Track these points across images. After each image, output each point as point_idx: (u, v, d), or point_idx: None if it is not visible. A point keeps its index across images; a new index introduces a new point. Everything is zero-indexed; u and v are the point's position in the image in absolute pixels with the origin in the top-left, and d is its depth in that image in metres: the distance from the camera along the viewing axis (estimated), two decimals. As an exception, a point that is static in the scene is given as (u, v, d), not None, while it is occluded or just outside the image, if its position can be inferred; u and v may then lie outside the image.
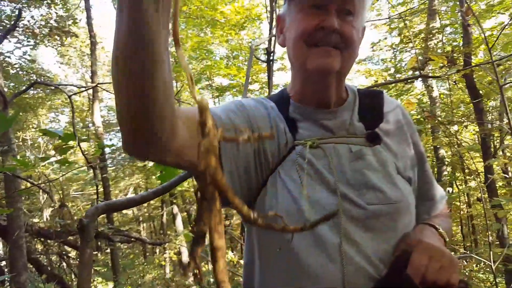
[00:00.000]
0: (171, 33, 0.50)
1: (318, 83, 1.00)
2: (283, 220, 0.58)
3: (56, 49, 10.44)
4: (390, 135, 1.05)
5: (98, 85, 5.32)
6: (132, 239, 5.79)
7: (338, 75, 0.99)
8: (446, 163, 9.48)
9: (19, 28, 7.73)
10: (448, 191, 9.48)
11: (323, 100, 1.02)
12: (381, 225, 0.93)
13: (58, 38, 8.53)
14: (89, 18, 9.96)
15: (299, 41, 0.97)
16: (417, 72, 7.52)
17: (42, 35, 8.29)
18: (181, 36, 0.68)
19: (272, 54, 1.95)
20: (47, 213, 7.37)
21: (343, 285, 0.87)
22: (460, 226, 11.14)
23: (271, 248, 0.94)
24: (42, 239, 4.73)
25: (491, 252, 3.84)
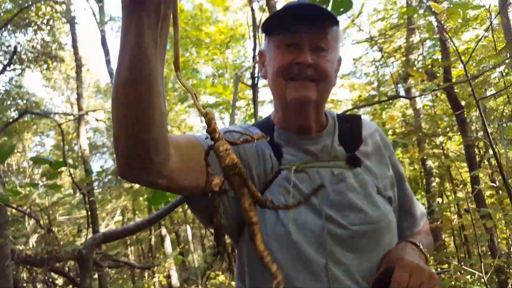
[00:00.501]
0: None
1: (297, 112, 1.06)
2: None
3: (41, 72, 10.41)
4: (370, 157, 1.10)
5: (88, 113, 5.29)
6: (121, 263, 5.71)
7: (315, 105, 1.05)
8: (434, 174, 9.59)
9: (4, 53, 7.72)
10: (438, 202, 9.58)
11: (304, 127, 1.08)
12: (364, 244, 0.97)
13: (45, 64, 8.52)
14: (74, 42, 9.98)
15: (277, 76, 1.04)
16: (399, 85, 7.69)
17: (28, 60, 8.28)
18: (167, 56, 0.74)
19: (256, 79, 2.00)
20: (33, 239, 7.25)
21: None
22: (452, 237, 11.21)
23: (262, 272, 0.96)
24: (28, 267, 4.62)
25: (482, 264, 3.88)
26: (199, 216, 1.05)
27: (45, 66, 9.20)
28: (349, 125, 1.15)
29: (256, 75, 2.02)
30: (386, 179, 1.10)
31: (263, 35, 1.16)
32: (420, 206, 1.24)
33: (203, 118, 0.59)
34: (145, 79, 0.69)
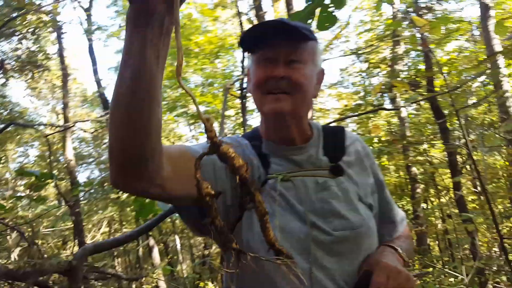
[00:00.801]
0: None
1: (275, 124, 1.13)
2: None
3: (26, 81, 10.31)
4: (352, 166, 1.17)
5: (75, 124, 5.27)
6: (108, 275, 5.64)
7: (294, 116, 1.10)
8: (419, 180, 9.75)
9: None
10: (422, 207, 9.72)
11: (287, 138, 1.14)
12: (346, 249, 1.03)
13: (30, 73, 8.44)
14: (60, 50, 9.93)
15: (256, 90, 1.11)
16: (385, 95, 7.83)
17: (13, 70, 8.19)
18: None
19: (244, 90, 2.05)
20: (15, 252, 7.11)
21: None
22: (437, 241, 11.35)
23: (250, 277, 0.99)
24: (10, 282, 4.52)
25: (463, 266, 3.99)
26: (189, 225, 1.09)
27: (30, 75, 9.10)
28: (333, 137, 1.21)
29: (244, 87, 2.08)
30: (367, 187, 1.17)
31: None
32: (399, 212, 1.30)
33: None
34: (147, 90, 0.73)
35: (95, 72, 11.74)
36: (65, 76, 10.74)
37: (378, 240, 1.15)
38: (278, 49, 1.07)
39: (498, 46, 5.95)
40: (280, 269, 0.99)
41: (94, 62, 11.84)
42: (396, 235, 1.23)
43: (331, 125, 1.90)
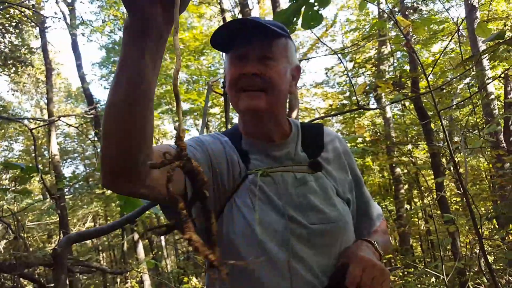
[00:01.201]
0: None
1: (252, 121, 1.15)
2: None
3: (9, 75, 10.15)
4: (330, 162, 1.20)
5: (60, 119, 5.22)
6: (93, 268, 5.63)
7: (270, 113, 1.12)
8: (403, 181, 9.90)
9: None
10: (406, 208, 9.87)
11: (264, 134, 1.16)
12: (323, 242, 1.06)
13: (13, 68, 8.30)
14: (44, 45, 9.80)
15: (230, 88, 1.13)
16: (370, 95, 7.93)
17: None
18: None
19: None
20: (0, 245, 7.04)
21: None
22: (419, 242, 11.53)
23: (232, 274, 1.03)
24: (-5, 273, 4.50)
25: (443, 266, 4.07)
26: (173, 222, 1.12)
27: (13, 70, 8.97)
28: (312, 133, 1.24)
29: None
30: (345, 183, 1.20)
31: None
32: (376, 208, 1.33)
33: (176, 124, 0.62)
34: (142, 98, 0.74)
35: (79, 67, 11.61)
36: (48, 71, 10.59)
37: (356, 235, 1.18)
38: (249, 46, 1.09)
39: (483, 48, 6.04)
40: (262, 265, 1.02)
41: (78, 58, 11.70)
42: (372, 230, 1.26)
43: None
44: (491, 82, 5.97)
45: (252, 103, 1.08)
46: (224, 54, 1.21)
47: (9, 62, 8.11)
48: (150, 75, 0.74)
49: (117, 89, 0.74)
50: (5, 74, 9.21)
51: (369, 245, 1.11)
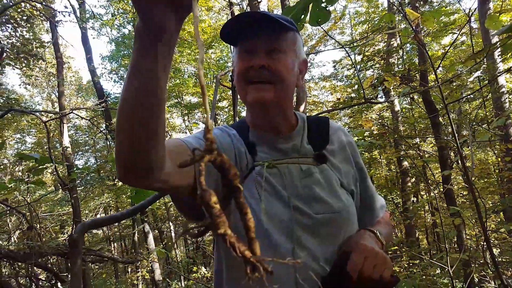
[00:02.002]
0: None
1: (259, 113, 1.18)
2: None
3: (21, 69, 10.31)
4: (335, 155, 1.24)
5: (73, 111, 5.33)
6: (104, 258, 5.76)
7: (276, 105, 1.15)
8: (410, 174, 9.89)
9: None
10: (412, 201, 9.88)
11: (272, 127, 1.20)
12: (327, 231, 1.11)
13: (25, 61, 8.42)
14: (54, 39, 9.90)
15: (239, 81, 1.16)
16: (378, 88, 7.91)
17: (8, 58, 8.18)
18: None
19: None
20: (14, 235, 7.20)
21: (295, 284, 1.04)
22: (425, 235, 11.52)
23: (232, 259, 1.10)
24: (11, 262, 4.65)
25: (448, 258, 4.12)
26: (183, 212, 1.16)
27: (24, 63, 9.10)
28: (317, 126, 1.28)
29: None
30: (349, 175, 1.24)
31: None
32: (380, 199, 1.37)
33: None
34: (154, 101, 0.76)
35: (89, 61, 11.70)
36: (59, 65, 10.69)
37: (359, 226, 1.21)
38: (258, 40, 1.11)
39: (496, 40, 5.93)
40: (267, 254, 1.06)
41: (88, 51, 11.79)
42: (376, 221, 1.30)
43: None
44: (501, 75, 5.92)
45: (260, 95, 1.11)
46: (232, 47, 1.23)
47: (21, 56, 8.23)
48: (162, 80, 0.75)
49: (128, 94, 0.76)
50: (17, 68, 9.35)
51: (371, 235, 1.14)
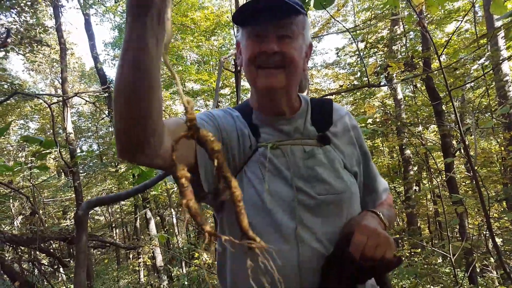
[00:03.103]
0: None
1: (268, 98, 1.19)
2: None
3: (24, 55, 10.30)
4: (338, 137, 1.24)
5: (78, 95, 5.33)
6: (106, 244, 5.81)
7: (286, 91, 1.17)
8: (412, 162, 9.89)
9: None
10: (415, 190, 9.89)
11: (277, 110, 1.21)
12: (329, 211, 1.11)
13: (29, 47, 8.41)
14: (58, 25, 9.87)
15: (249, 65, 1.15)
16: (382, 75, 7.87)
17: (13, 43, 8.17)
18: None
19: (239, 66, 2.11)
20: (17, 220, 7.27)
21: (298, 263, 1.05)
22: (427, 224, 11.56)
23: (236, 238, 1.11)
24: (14, 246, 4.70)
25: (450, 246, 4.12)
26: None
27: (28, 49, 9.09)
28: (321, 108, 1.28)
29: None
30: (352, 157, 1.24)
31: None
32: (383, 182, 1.38)
33: (185, 99, 0.64)
34: (148, 73, 0.77)
35: (93, 47, 11.66)
36: (62, 51, 10.66)
37: (362, 208, 1.22)
38: (270, 24, 1.11)
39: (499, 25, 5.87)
40: (270, 233, 1.06)
41: (91, 38, 11.75)
42: (378, 203, 1.31)
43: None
44: (505, 60, 5.87)
45: (271, 82, 1.11)
46: (240, 30, 1.22)
47: (25, 41, 8.22)
48: (154, 51, 0.76)
49: (122, 67, 0.78)
50: (20, 54, 9.34)
51: (374, 216, 1.14)
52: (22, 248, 4.84)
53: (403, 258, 7.00)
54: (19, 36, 8.09)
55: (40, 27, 8.84)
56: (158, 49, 0.78)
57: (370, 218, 1.12)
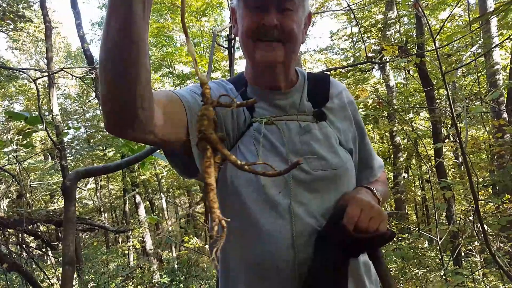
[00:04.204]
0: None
1: (266, 72, 1.15)
2: (270, 166, 0.77)
3: (7, 33, 10.00)
4: (335, 113, 1.21)
5: (64, 70, 5.19)
6: (95, 227, 5.76)
7: (284, 64, 1.13)
8: (401, 148, 9.97)
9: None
10: (404, 176, 10.00)
11: (273, 84, 1.17)
12: (324, 186, 1.10)
13: (11, 23, 8.13)
14: (43, 2, 9.57)
15: (246, 37, 1.10)
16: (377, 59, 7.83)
17: (-7, 19, 7.90)
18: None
19: (233, 41, 2.04)
20: (4, 203, 7.16)
21: (292, 238, 1.04)
22: (415, 210, 11.75)
23: (232, 214, 1.04)
24: (1, 229, 4.62)
25: (437, 229, 4.16)
26: (176, 168, 1.13)
27: (11, 26, 8.81)
28: (318, 83, 1.24)
29: (232, 37, 2.05)
30: (348, 133, 1.22)
31: None
32: (378, 159, 1.36)
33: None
34: (134, 38, 0.73)
35: (79, 26, 11.37)
36: (47, 29, 10.37)
37: (357, 184, 1.21)
38: None
39: (494, 20, 5.89)
40: (264, 209, 1.07)
41: (77, 16, 11.44)
42: (373, 179, 1.30)
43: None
44: (497, 46, 5.88)
45: (270, 56, 1.08)
46: (234, 1, 1.17)
47: (6, 15, 7.93)
48: (140, 17, 0.73)
49: (108, 32, 0.74)
50: (2, 32, 9.06)
51: (368, 191, 1.14)
52: (10, 230, 4.76)
53: (391, 243, 7.09)
54: (0, 10, 7.81)
55: (23, 2, 8.55)
56: (145, 15, 0.74)
57: (364, 193, 1.12)
